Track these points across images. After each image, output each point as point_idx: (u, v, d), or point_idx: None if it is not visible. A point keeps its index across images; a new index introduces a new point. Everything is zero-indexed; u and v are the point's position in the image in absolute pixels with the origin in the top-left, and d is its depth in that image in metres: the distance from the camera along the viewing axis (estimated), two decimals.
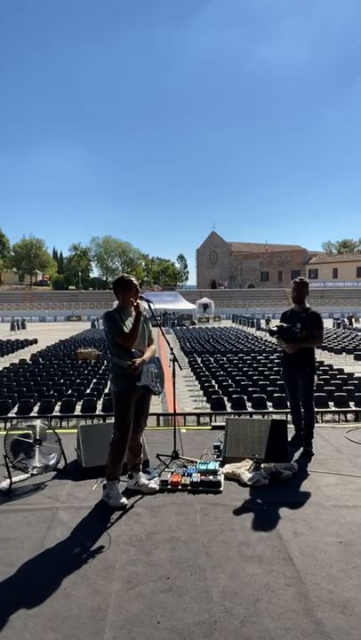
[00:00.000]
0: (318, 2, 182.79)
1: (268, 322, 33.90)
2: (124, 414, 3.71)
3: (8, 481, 4.00)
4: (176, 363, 4.45)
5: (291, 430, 5.04)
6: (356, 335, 24.77)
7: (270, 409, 8.69)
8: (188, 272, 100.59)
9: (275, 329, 4.91)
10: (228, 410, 8.67)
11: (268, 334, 25.26)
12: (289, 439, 4.77)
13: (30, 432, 4.31)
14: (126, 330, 3.69)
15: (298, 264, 74.87)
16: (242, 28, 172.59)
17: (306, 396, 4.86)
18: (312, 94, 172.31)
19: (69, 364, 14.83)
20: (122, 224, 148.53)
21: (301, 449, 4.83)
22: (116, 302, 3.87)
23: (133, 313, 3.79)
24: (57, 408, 9.03)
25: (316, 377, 4.99)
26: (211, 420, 8.22)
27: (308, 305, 4.97)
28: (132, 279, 3.84)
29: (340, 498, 3.77)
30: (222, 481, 3.99)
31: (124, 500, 3.66)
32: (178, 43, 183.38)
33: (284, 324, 4.86)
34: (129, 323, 3.74)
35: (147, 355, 3.79)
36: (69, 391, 10.17)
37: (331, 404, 8.70)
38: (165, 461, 4.38)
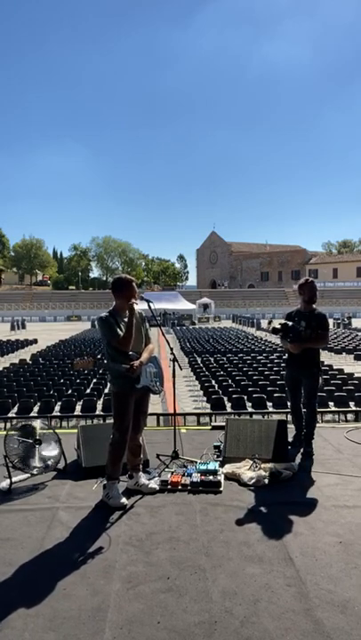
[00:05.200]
0: (320, 2, 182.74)
1: (269, 322, 33.76)
2: (123, 414, 3.71)
3: (8, 481, 4.00)
4: (176, 363, 4.45)
5: (291, 430, 5.04)
6: (357, 335, 24.77)
7: (270, 409, 8.68)
8: (188, 272, 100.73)
9: (278, 326, 4.83)
10: (228, 410, 8.67)
11: (268, 334, 25.31)
12: (289, 439, 4.77)
13: (30, 432, 4.31)
14: (121, 333, 3.67)
15: (298, 264, 74.83)
16: (243, 28, 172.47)
17: (310, 397, 4.84)
18: (313, 94, 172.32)
19: (69, 364, 14.82)
20: (122, 224, 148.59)
21: (302, 449, 4.83)
22: (114, 303, 3.84)
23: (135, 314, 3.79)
24: (57, 408, 9.03)
25: (321, 379, 4.94)
26: (211, 420, 8.22)
27: (314, 306, 4.94)
28: (133, 280, 3.82)
29: (341, 498, 3.77)
30: (222, 481, 3.99)
31: (124, 500, 3.66)
32: (178, 42, 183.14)
33: (288, 322, 4.80)
34: (125, 325, 3.72)
35: (144, 356, 3.78)
36: (69, 391, 10.17)
37: (331, 403, 8.70)
38: (165, 461, 4.38)
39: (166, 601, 2.52)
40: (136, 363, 3.66)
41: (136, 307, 3.83)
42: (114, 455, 3.72)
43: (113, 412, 3.77)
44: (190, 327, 35.71)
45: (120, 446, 3.71)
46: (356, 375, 11.33)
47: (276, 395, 8.93)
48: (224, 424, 4.84)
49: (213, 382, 10.76)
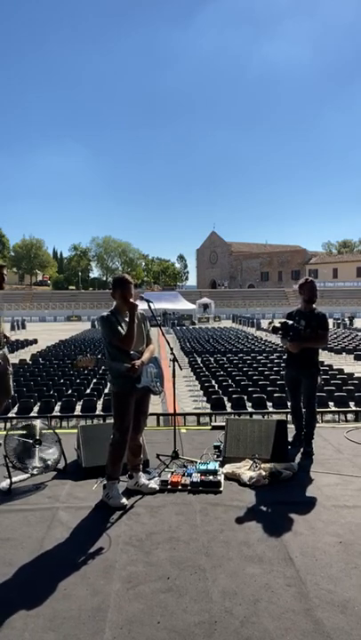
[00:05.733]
0: (320, 2, 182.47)
1: (271, 323, 33.68)
2: (123, 415, 3.71)
3: (8, 481, 4.00)
4: (176, 363, 4.45)
5: (291, 430, 5.04)
6: (357, 335, 24.77)
7: (270, 409, 8.68)
8: (188, 272, 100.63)
9: (278, 325, 4.82)
10: (228, 410, 8.67)
11: (268, 334, 25.29)
12: (289, 439, 4.77)
13: (30, 432, 4.31)
14: (123, 331, 3.67)
15: (298, 264, 74.83)
16: (243, 28, 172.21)
17: (309, 397, 4.85)
18: (313, 94, 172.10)
19: (69, 364, 14.82)
20: (122, 224, 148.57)
21: (302, 449, 4.83)
22: (115, 303, 3.85)
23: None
24: (57, 408, 9.03)
25: (319, 378, 4.96)
26: (211, 420, 8.21)
27: (314, 306, 4.95)
28: (130, 279, 3.82)
29: (341, 498, 3.77)
30: (222, 481, 3.99)
31: (124, 500, 3.66)
32: (178, 43, 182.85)
33: (289, 321, 4.80)
34: (126, 324, 3.72)
35: (145, 356, 3.77)
36: (69, 391, 10.17)
37: (331, 403, 8.70)
38: (165, 461, 4.38)
39: (166, 601, 2.52)
40: (137, 362, 3.66)
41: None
42: (114, 455, 3.72)
43: (113, 412, 3.77)
44: (190, 327, 35.71)
45: (120, 446, 3.71)
46: (356, 375, 11.33)
47: (276, 395, 8.93)
48: (224, 424, 4.84)
49: (213, 382, 10.75)
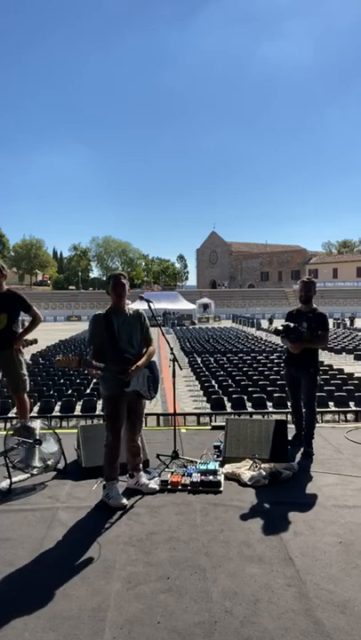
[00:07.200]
0: (322, 1, 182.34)
1: (270, 322, 33.70)
2: (114, 418, 3.71)
3: (8, 481, 4.00)
4: (176, 363, 4.45)
5: (291, 430, 5.04)
6: (357, 335, 24.77)
7: (270, 409, 8.68)
8: (188, 272, 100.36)
9: (280, 328, 4.85)
10: (228, 410, 8.66)
11: (268, 334, 25.30)
12: (289, 439, 4.77)
13: (30, 432, 4.31)
14: (107, 333, 3.64)
15: (298, 264, 74.86)
16: (244, 28, 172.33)
17: (308, 397, 4.85)
18: (313, 94, 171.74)
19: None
20: (122, 224, 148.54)
21: (302, 449, 4.83)
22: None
23: (130, 312, 3.77)
24: (57, 408, 9.03)
25: (318, 378, 4.96)
26: (211, 420, 8.21)
27: (314, 305, 4.95)
28: (118, 276, 3.76)
29: (341, 498, 3.77)
30: (222, 481, 3.99)
31: (124, 500, 3.66)
32: (180, 43, 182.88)
33: (291, 324, 4.81)
34: (120, 322, 3.70)
35: (142, 360, 3.73)
36: (69, 391, 10.17)
37: (331, 403, 8.70)
38: (165, 461, 4.38)
39: (166, 601, 2.52)
40: (132, 368, 3.62)
41: (135, 306, 3.82)
42: (109, 456, 3.73)
43: (105, 415, 3.77)
44: (190, 327, 35.71)
45: (114, 448, 3.71)
46: (356, 375, 11.33)
47: (276, 395, 8.92)
48: (224, 424, 4.84)
49: (213, 382, 10.75)
